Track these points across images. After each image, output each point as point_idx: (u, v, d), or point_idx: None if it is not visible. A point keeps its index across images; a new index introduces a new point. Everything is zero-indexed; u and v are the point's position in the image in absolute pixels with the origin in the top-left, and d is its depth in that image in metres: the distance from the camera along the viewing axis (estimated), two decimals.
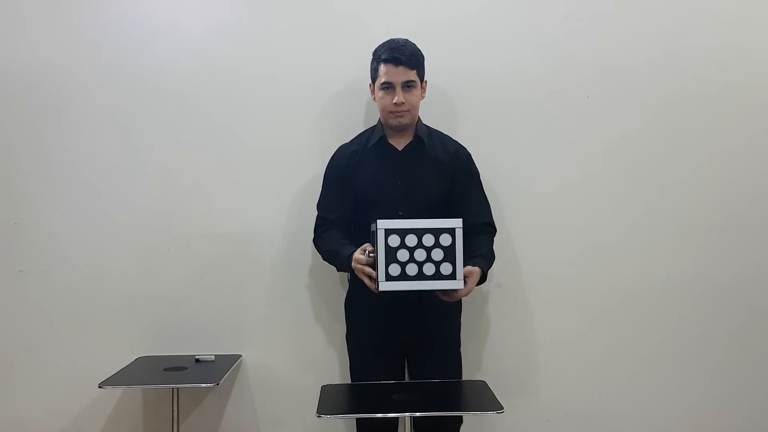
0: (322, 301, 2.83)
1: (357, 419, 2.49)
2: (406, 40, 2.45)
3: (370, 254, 2.23)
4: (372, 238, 2.24)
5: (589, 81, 2.81)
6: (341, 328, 2.76)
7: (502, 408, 2.05)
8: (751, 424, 2.84)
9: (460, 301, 2.53)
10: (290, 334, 2.84)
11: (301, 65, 2.81)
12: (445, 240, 2.18)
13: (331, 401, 2.23)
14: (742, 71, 2.80)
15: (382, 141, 2.49)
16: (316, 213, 2.56)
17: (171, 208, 2.83)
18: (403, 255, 2.17)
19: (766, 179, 2.83)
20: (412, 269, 2.17)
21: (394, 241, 2.17)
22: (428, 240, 2.18)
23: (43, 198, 2.82)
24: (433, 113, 2.62)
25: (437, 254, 2.18)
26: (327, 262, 2.52)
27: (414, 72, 2.40)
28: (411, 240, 2.17)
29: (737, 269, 2.82)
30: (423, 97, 2.49)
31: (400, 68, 2.38)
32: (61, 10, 2.81)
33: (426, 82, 2.49)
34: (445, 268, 2.18)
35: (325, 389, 2.36)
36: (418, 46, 2.46)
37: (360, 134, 2.60)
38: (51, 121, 2.82)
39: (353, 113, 2.80)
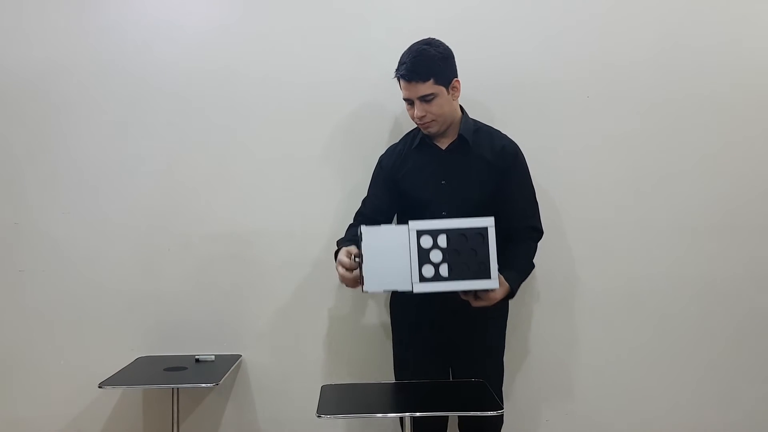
0: (322, 301, 2.83)
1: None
2: (426, 44, 2.32)
3: (356, 258, 2.17)
4: (358, 242, 2.18)
5: (589, 81, 2.81)
6: (341, 327, 2.76)
7: (502, 408, 2.05)
8: (751, 424, 2.84)
9: (507, 305, 2.54)
10: (290, 334, 2.84)
11: (301, 65, 2.81)
12: (478, 239, 2.13)
13: (331, 401, 2.23)
14: (742, 71, 2.80)
15: (425, 141, 2.44)
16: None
17: (171, 208, 2.83)
18: (436, 256, 2.12)
19: (766, 179, 2.83)
20: (444, 270, 2.12)
21: (427, 242, 2.12)
22: (460, 240, 2.13)
23: (43, 198, 2.83)
24: None
25: (470, 254, 2.13)
26: None
27: (429, 83, 2.28)
28: (443, 240, 2.12)
29: (737, 269, 2.82)
30: (456, 97, 2.39)
31: (413, 83, 2.29)
32: (61, 10, 2.81)
33: (458, 81, 2.37)
34: (479, 268, 2.14)
35: (325, 389, 2.35)
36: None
37: (408, 133, 2.56)
38: (51, 121, 2.83)
39: (353, 113, 2.80)
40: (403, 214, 2.52)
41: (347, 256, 2.20)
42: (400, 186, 2.46)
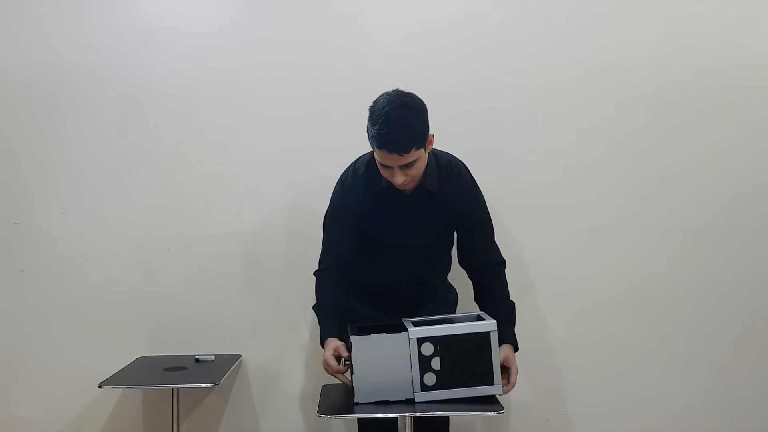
0: None
1: (358, 419, 2.49)
2: (402, 106, 2.12)
3: (346, 362, 2.13)
4: (348, 347, 2.14)
5: (589, 81, 2.81)
6: None
7: (503, 408, 2.05)
8: (751, 424, 2.84)
9: (456, 302, 2.54)
10: (290, 334, 2.84)
11: (301, 65, 2.81)
12: (480, 344, 2.07)
13: (331, 401, 2.23)
14: (742, 71, 2.80)
15: (390, 186, 2.26)
16: (322, 242, 2.42)
17: (171, 208, 2.83)
18: (437, 363, 2.06)
19: (766, 179, 2.83)
20: (447, 377, 2.06)
21: (428, 349, 2.06)
22: (463, 346, 2.07)
23: (43, 198, 2.83)
24: (432, 114, 2.62)
25: (473, 359, 2.07)
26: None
27: (412, 151, 2.11)
28: (445, 347, 2.06)
29: (737, 269, 2.82)
30: (430, 149, 2.24)
31: (394, 155, 2.11)
32: (61, 11, 2.81)
33: (432, 135, 2.20)
34: (482, 374, 2.07)
35: (325, 389, 2.36)
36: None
37: (368, 165, 2.34)
38: (51, 121, 2.82)
39: (353, 113, 2.79)
40: (359, 253, 2.39)
41: (335, 355, 2.16)
42: (364, 228, 2.36)
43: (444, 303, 2.49)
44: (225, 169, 2.83)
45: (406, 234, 2.35)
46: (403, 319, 2.18)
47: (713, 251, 2.82)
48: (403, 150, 2.11)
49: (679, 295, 2.82)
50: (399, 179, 2.17)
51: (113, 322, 2.83)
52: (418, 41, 2.59)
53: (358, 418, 2.47)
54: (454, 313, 2.51)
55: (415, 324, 2.13)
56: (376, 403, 2.07)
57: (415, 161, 2.16)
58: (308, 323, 2.84)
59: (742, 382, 2.84)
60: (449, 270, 2.54)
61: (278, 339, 2.84)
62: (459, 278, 2.52)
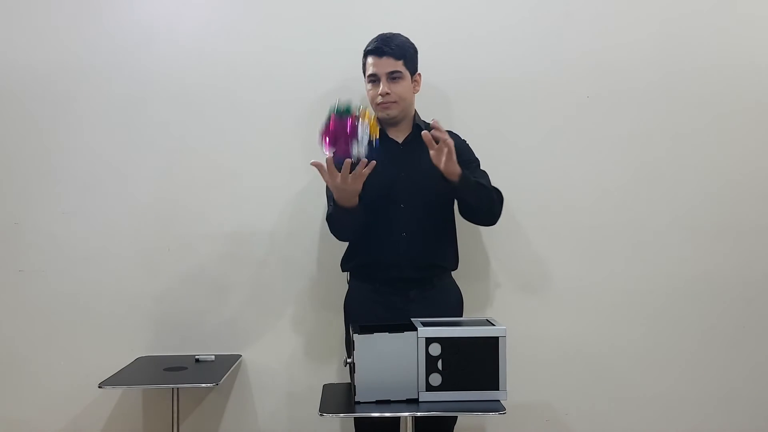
0: (322, 300, 2.83)
1: (355, 418, 2.49)
2: (397, 33, 2.43)
3: (347, 362, 2.14)
4: (348, 346, 2.16)
5: (589, 81, 2.81)
6: (341, 327, 2.76)
7: (504, 409, 2.05)
8: (751, 424, 2.84)
9: (461, 303, 2.53)
10: (290, 334, 2.84)
11: (301, 64, 2.81)
12: (488, 348, 2.09)
13: (332, 400, 2.23)
14: (742, 71, 2.81)
15: (383, 135, 2.40)
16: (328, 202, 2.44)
17: (171, 207, 2.83)
18: (443, 364, 2.07)
19: (766, 179, 2.83)
20: (452, 378, 2.07)
21: (435, 350, 2.07)
22: (470, 348, 2.08)
23: (43, 198, 2.82)
24: (432, 113, 2.62)
25: (479, 362, 2.08)
26: (340, 221, 2.34)
27: (400, 62, 2.36)
28: (453, 349, 2.07)
29: (737, 269, 2.82)
30: (417, 91, 2.47)
31: (384, 58, 2.35)
32: (61, 10, 2.80)
33: (419, 75, 2.45)
34: (488, 378, 2.08)
35: (326, 388, 2.36)
36: (415, 43, 2.44)
37: None
38: (51, 121, 2.82)
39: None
40: (361, 227, 2.43)
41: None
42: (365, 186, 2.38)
43: (450, 301, 2.47)
44: (225, 169, 2.83)
45: (403, 181, 2.38)
46: (412, 319, 2.19)
47: (713, 251, 2.82)
48: (394, 54, 2.35)
49: (679, 295, 2.82)
50: (384, 88, 2.34)
51: (113, 322, 2.82)
52: (417, 40, 2.58)
53: (355, 418, 2.46)
54: (460, 316, 2.52)
55: (425, 324, 2.13)
56: (377, 402, 2.07)
57: (401, 77, 2.36)
58: (308, 323, 2.84)
59: (742, 382, 2.84)
60: (455, 258, 2.52)
61: (278, 339, 2.84)
62: (462, 279, 2.52)
